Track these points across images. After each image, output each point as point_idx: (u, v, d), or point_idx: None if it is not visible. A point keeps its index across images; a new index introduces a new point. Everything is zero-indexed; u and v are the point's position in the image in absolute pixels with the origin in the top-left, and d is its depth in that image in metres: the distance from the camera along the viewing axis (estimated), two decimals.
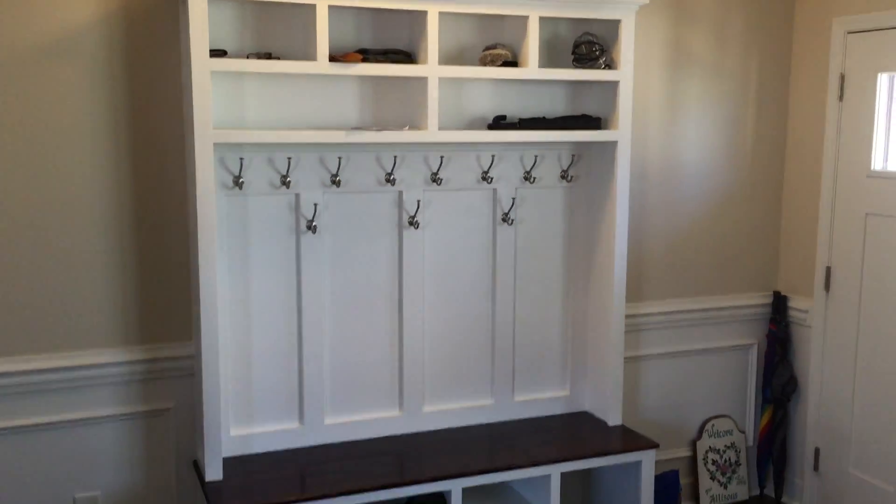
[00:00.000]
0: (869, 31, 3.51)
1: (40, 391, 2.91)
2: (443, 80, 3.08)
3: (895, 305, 3.48)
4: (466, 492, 3.11)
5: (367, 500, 2.91)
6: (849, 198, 3.65)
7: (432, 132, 3.04)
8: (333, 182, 3.12)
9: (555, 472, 3.18)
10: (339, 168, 3.11)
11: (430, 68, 3.00)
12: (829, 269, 3.76)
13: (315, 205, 3.11)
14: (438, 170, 3.26)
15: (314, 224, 3.11)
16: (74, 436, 2.98)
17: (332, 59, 2.89)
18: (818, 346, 3.83)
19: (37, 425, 2.92)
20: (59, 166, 2.86)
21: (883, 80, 3.49)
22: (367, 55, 2.98)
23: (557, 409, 3.62)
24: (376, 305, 3.29)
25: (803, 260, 3.90)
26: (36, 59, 2.78)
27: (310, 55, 2.88)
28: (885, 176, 3.50)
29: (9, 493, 2.92)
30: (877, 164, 3.53)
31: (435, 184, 3.27)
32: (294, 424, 3.22)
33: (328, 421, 3.26)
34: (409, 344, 3.34)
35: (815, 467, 3.89)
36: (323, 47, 2.84)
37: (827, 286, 3.78)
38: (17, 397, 2.89)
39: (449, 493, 3.04)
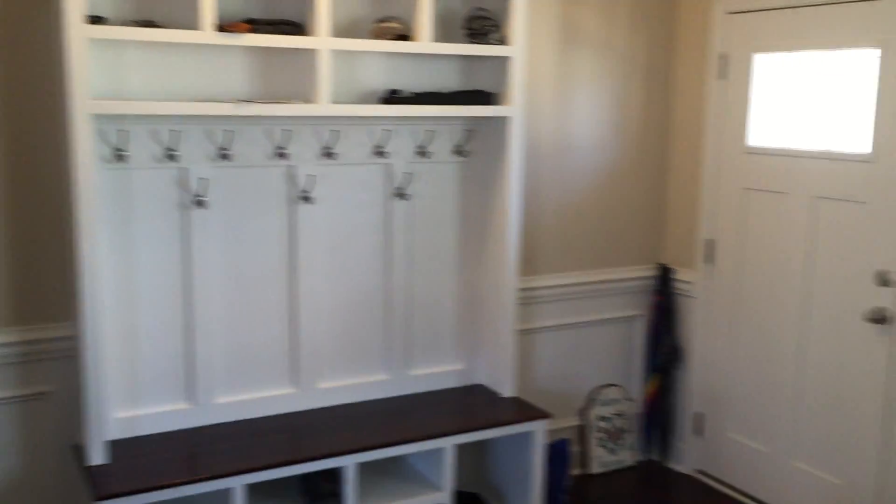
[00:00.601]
0: (746, 11, 3.65)
1: None
2: (334, 53, 3.03)
3: (771, 275, 3.66)
4: (361, 467, 3.12)
5: (260, 479, 2.88)
6: (728, 173, 3.81)
7: (324, 106, 2.99)
8: (222, 156, 3.03)
9: (448, 444, 3.21)
10: (227, 141, 3.03)
11: (321, 40, 2.95)
12: (710, 242, 3.93)
13: (203, 179, 3.02)
14: (331, 144, 3.22)
15: (203, 199, 3.02)
16: None
17: (220, 28, 2.80)
18: (701, 316, 4.00)
19: None
20: None
21: (758, 60, 3.64)
22: (255, 25, 2.90)
23: (452, 383, 3.66)
24: (270, 281, 3.24)
25: (687, 233, 4.05)
26: None
27: (195, 24, 2.78)
28: (760, 152, 3.67)
29: None
30: (753, 140, 3.69)
31: (328, 158, 3.23)
32: (184, 404, 3.14)
33: (220, 400, 3.19)
34: (304, 320, 3.31)
35: (698, 432, 4.07)
36: (208, 16, 2.75)
37: (709, 258, 3.94)
38: None
39: (344, 468, 3.03)
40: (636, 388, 4.23)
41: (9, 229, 2.84)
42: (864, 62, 3.25)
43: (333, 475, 3.08)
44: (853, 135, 3.30)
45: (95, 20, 2.67)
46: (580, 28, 3.78)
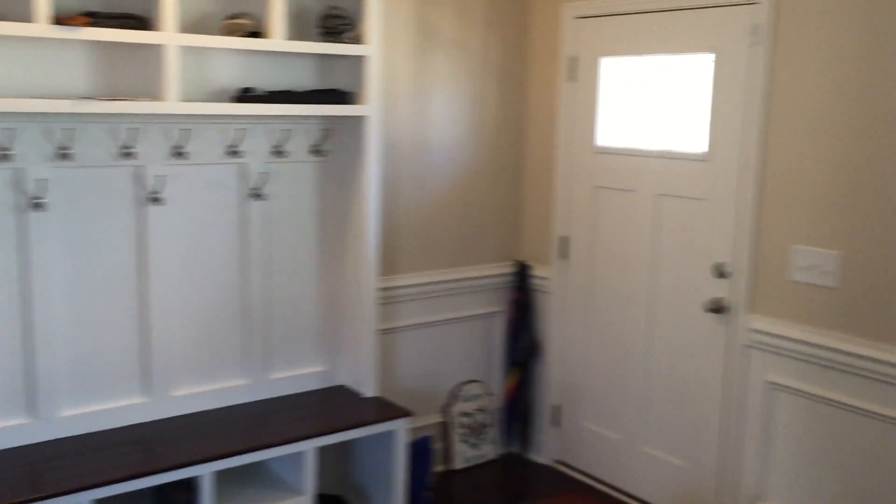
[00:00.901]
0: (593, 17, 3.80)
1: None
2: (183, 49, 2.93)
3: (620, 270, 3.82)
4: (220, 475, 3.03)
5: (109, 494, 2.75)
6: (579, 172, 3.95)
7: (172, 103, 2.89)
8: (62, 156, 2.88)
9: (309, 447, 3.18)
10: (67, 140, 2.87)
11: (168, 36, 2.85)
12: (564, 239, 4.06)
13: (41, 180, 2.85)
14: (182, 143, 3.12)
15: (41, 201, 2.86)
16: None
17: (57, 21, 2.65)
18: (556, 311, 4.13)
19: None
20: None
21: (606, 62, 3.79)
22: (96, 19, 2.77)
23: (313, 385, 3.62)
24: (118, 287, 3.10)
25: (543, 231, 4.17)
26: None
27: (30, 16, 2.62)
28: (608, 152, 3.83)
29: None
30: (601, 141, 3.85)
31: (179, 158, 3.13)
32: (24, 419, 2.96)
33: (65, 413, 3.03)
34: (156, 326, 3.19)
35: (556, 423, 4.20)
36: (43, 8, 2.60)
37: (563, 255, 4.08)
38: None
39: (200, 478, 2.94)
40: (497, 383, 4.32)
41: None
42: (700, 66, 3.44)
43: (189, 485, 2.98)
44: (692, 135, 3.50)
45: None
46: (436, 29, 3.82)
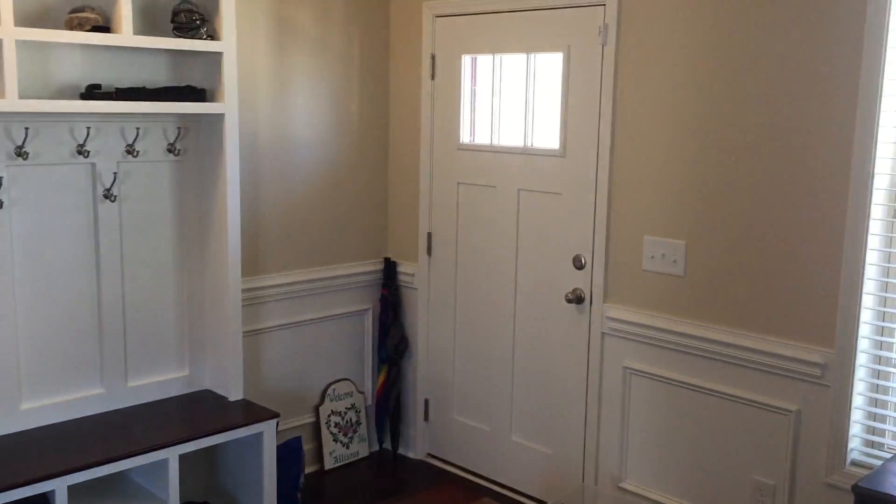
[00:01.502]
0: (453, 15, 3.86)
1: None
2: (21, 44, 2.78)
3: (484, 264, 3.90)
4: (75, 490, 2.91)
5: None
6: (443, 169, 4.00)
7: (11, 101, 2.74)
8: None
9: (172, 454, 3.08)
10: None
11: (5, 29, 2.70)
12: (430, 235, 4.10)
13: None
14: (24, 143, 2.96)
15: None
16: None
17: None
18: (424, 307, 4.17)
19: None
20: None
21: (466, 61, 3.86)
22: None
23: (176, 391, 3.52)
24: None
25: (409, 227, 4.20)
26: None
27: None
28: (470, 148, 3.89)
29: None
30: (464, 137, 3.91)
31: (21, 158, 2.97)
32: None
33: None
34: (1, 338, 3.01)
35: (426, 417, 4.25)
36: None
37: (429, 250, 4.12)
38: None
39: (53, 493, 2.80)
40: (368, 380, 4.32)
41: None
42: (553, 65, 3.55)
43: (43, 501, 2.84)
44: (548, 132, 3.61)
45: None
46: (296, 25, 3.78)
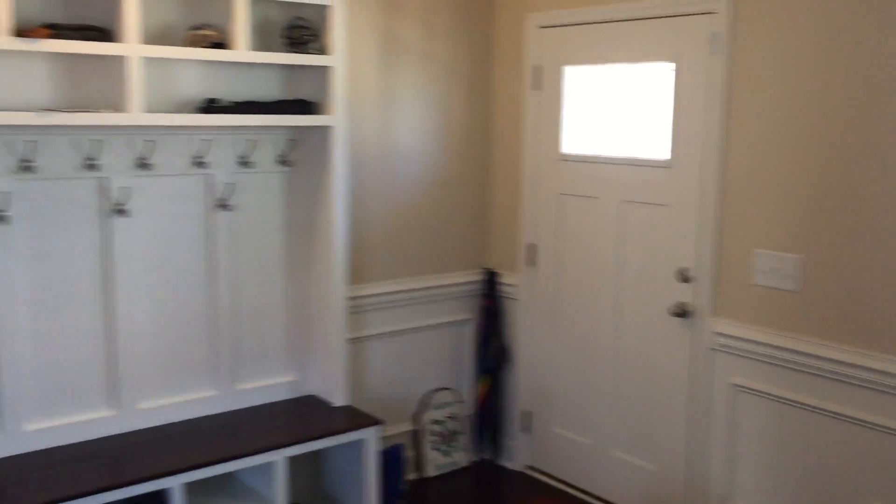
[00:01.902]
0: (556, 26, 3.85)
1: None
2: (146, 60, 2.93)
3: (586, 276, 3.86)
4: (190, 487, 3.02)
5: None
6: (545, 180, 3.99)
7: (136, 115, 2.89)
8: (25, 168, 2.87)
9: (280, 457, 3.17)
10: (30, 153, 2.86)
11: (131, 47, 2.85)
12: (532, 246, 4.09)
13: (4, 193, 2.84)
14: (147, 154, 3.11)
15: (4, 213, 2.84)
16: None
17: (17, 33, 2.64)
18: (524, 318, 4.16)
19: None
20: None
21: (569, 72, 3.84)
22: (58, 31, 2.76)
23: (283, 395, 3.62)
24: (83, 300, 3.08)
25: (510, 238, 4.21)
26: None
27: None
28: (572, 159, 3.87)
29: None
30: (566, 148, 3.89)
31: (143, 169, 3.12)
32: None
33: (30, 427, 3.01)
34: (123, 339, 3.17)
35: (526, 429, 4.23)
36: (4, 20, 2.59)
37: (530, 261, 4.11)
38: None
39: (170, 490, 2.92)
40: (468, 390, 4.34)
41: None
42: (661, 75, 3.50)
43: (159, 498, 2.96)
44: (654, 142, 3.55)
45: None
46: (401, 38, 3.85)
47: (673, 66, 3.43)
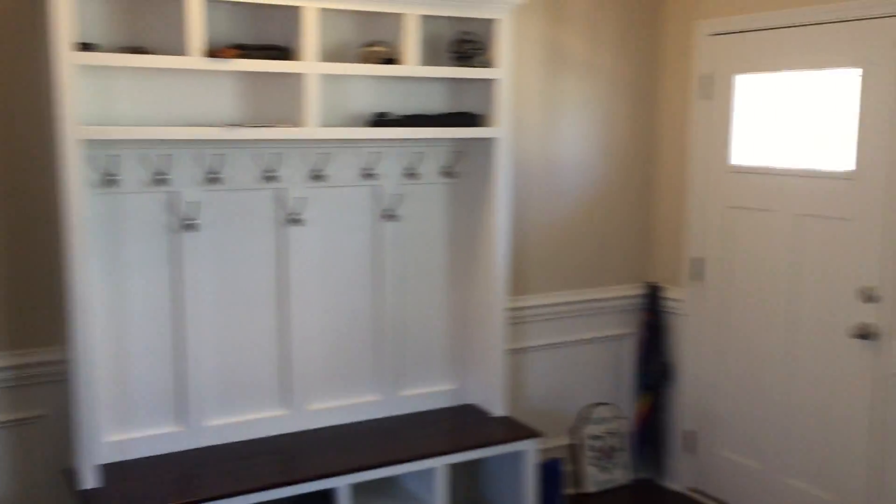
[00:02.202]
0: (727, 34, 3.71)
1: None
2: (322, 77, 3.07)
3: (758, 292, 3.69)
4: (354, 488, 3.12)
5: (251, 501, 2.87)
6: (713, 192, 3.85)
7: (312, 129, 3.03)
8: (212, 179, 3.07)
9: (440, 464, 3.22)
10: (217, 165, 3.06)
11: (309, 64, 2.99)
12: (698, 260, 3.96)
13: (193, 203, 3.05)
14: (320, 167, 3.25)
15: (193, 222, 3.05)
16: None
17: (208, 54, 2.84)
18: (690, 334, 4.02)
19: None
20: None
21: (739, 80, 3.69)
22: (244, 51, 2.94)
23: (443, 403, 3.67)
24: (260, 304, 3.26)
25: (674, 251, 4.09)
26: None
27: (184, 50, 2.82)
28: (743, 171, 3.71)
29: None
30: (736, 159, 3.74)
31: (317, 180, 3.26)
32: (175, 427, 3.14)
33: (211, 423, 3.20)
34: (295, 341, 3.32)
35: (690, 449, 4.08)
36: (196, 42, 2.79)
37: (696, 276, 3.97)
38: None
39: (336, 490, 3.03)
40: (628, 406, 4.24)
41: (2, 254, 2.86)
42: (844, 81, 3.30)
43: (325, 497, 3.08)
44: (835, 153, 3.35)
45: (86, 47, 2.71)
46: (565, 50, 3.84)
47: (860, 71, 3.22)
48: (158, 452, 3.10)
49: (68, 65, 2.61)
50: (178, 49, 2.86)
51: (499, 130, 3.40)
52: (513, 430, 3.46)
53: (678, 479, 4.14)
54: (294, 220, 3.24)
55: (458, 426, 3.52)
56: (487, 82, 3.39)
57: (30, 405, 2.96)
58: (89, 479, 2.81)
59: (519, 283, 3.81)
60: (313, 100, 3.01)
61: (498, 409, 3.57)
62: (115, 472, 2.93)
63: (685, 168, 3.97)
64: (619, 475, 4.17)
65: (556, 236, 3.95)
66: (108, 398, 3.00)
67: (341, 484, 3.02)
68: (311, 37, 2.97)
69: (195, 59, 2.80)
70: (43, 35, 2.76)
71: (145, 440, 3.08)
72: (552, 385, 4.04)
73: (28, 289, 2.92)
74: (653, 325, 4.14)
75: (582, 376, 4.12)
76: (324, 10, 3.03)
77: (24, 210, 2.89)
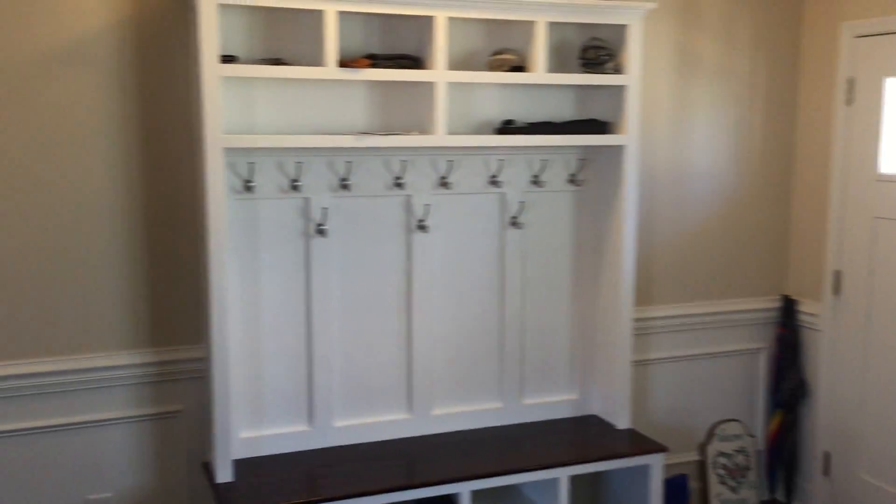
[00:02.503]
0: (876, 35, 3.51)
1: (53, 393, 2.95)
2: (451, 85, 3.10)
3: None
4: (476, 495, 3.12)
5: (376, 503, 2.93)
6: (857, 201, 3.65)
7: (440, 136, 3.06)
8: (342, 186, 3.14)
9: (563, 475, 3.18)
10: (347, 172, 3.14)
11: (438, 73, 3.03)
12: (838, 273, 3.76)
13: (324, 209, 3.13)
14: (447, 174, 3.28)
15: (323, 227, 3.14)
16: (87, 438, 3.02)
17: (342, 64, 2.92)
18: (828, 351, 3.82)
19: (50, 427, 2.96)
20: (71, 172, 2.90)
21: (890, 84, 3.48)
22: (375, 60, 3.01)
23: (566, 413, 3.63)
24: (386, 308, 3.31)
25: (812, 264, 3.90)
26: (50, 65, 2.83)
27: (319, 61, 2.91)
28: (892, 179, 3.50)
29: (22, 495, 2.96)
30: (884, 167, 3.53)
31: (443, 188, 3.29)
32: (304, 426, 3.24)
33: (338, 423, 3.28)
34: (419, 347, 3.36)
35: (826, 472, 3.88)
36: (331, 53, 2.87)
37: (836, 290, 3.77)
38: (30, 399, 2.93)
39: (458, 495, 3.05)
40: (758, 423, 4.08)
41: (147, 256, 3.03)
42: None
43: (447, 501, 3.10)
44: None
45: (228, 59, 2.84)
46: (698, 54, 3.73)
47: None
48: (288, 450, 3.20)
49: (214, 76, 2.74)
50: (312, 60, 2.96)
51: (627, 138, 3.33)
52: (638, 443, 3.39)
53: (811, 501, 3.93)
54: (420, 227, 3.28)
55: (581, 437, 3.47)
56: (616, 89, 3.33)
57: (170, 400, 3.12)
58: (224, 473, 2.93)
59: (644, 292, 3.73)
60: (441, 108, 3.04)
61: (622, 421, 3.50)
62: (247, 467, 3.05)
63: (826, 176, 3.78)
64: (749, 495, 4.00)
65: (684, 245, 3.84)
66: (243, 396, 3.13)
67: (463, 490, 3.04)
68: (440, 46, 3.01)
69: (330, 70, 2.88)
70: (190, 50, 2.91)
71: (276, 438, 3.19)
72: (678, 399, 3.92)
73: (172, 289, 3.08)
74: (787, 340, 3.95)
75: (710, 391, 3.98)
76: (453, 19, 3.06)
77: (170, 215, 3.04)
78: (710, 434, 3.97)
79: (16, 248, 2.87)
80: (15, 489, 2.95)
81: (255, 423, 3.17)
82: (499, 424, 3.52)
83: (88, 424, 3.01)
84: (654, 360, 3.84)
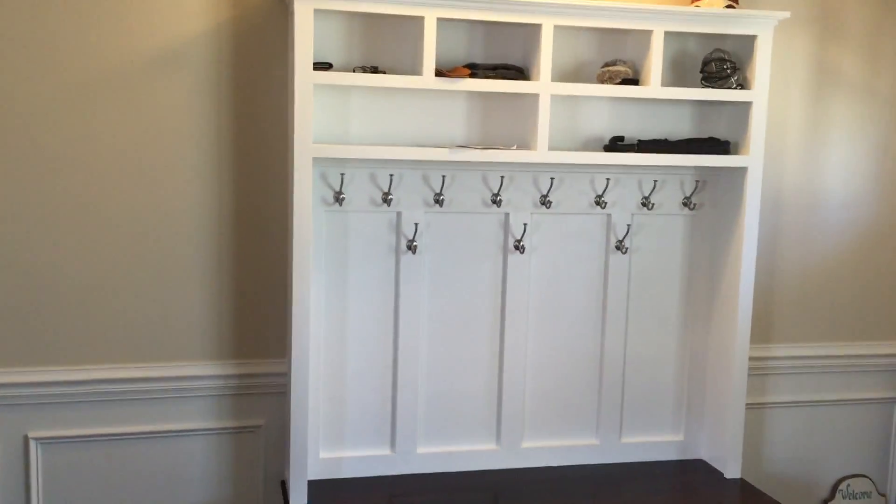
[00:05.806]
0: None
1: (137, 400, 2.94)
2: (555, 98, 2.90)
3: None
4: None
5: None
6: None
7: (542, 152, 2.87)
8: (436, 201, 3.00)
9: None
10: (442, 187, 2.99)
11: (541, 85, 2.84)
12: None
13: (416, 224, 3.00)
14: (548, 192, 3.09)
15: (415, 244, 3.00)
16: (166, 447, 2.99)
17: (439, 73, 2.78)
18: None
19: (131, 434, 2.95)
20: (162, 180, 2.87)
21: None
22: (475, 70, 2.85)
23: (669, 455, 3.35)
24: (476, 332, 3.14)
25: None
26: (145, 70, 2.82)
27: (416, 69, 2.78)
28: None
29: (100, 501, 2.95)
30: None
31: (544, 206, 3.10)
32: (385, 451, 3.10)
33: (421, 450, 3.13)
34: (510, 374, 3.17)
35: None
36: (429, 61, 2.73)
37: None
38: (118, 404, 2.92)
39: None
40: (891, 481, 3.67)
41: (234, 267, 2.97)
42: None
43: None
44: None
45: (323, 66, 2.75)
46: (835, 69, 3.38)
47: None
48: (367, 474, 3.07)
49: (306, 83, 2.65)
50: (410, 68, 2.83)
51: (750, 159, 3.04)
52: (749, 495, 3.07)
53: None
54: (517, 247, 3.09)
55: (685, 484, 3.19)
56: (740, 105, 3.05)
57: (252, 414, 3.05)
58: (299, 494, 2.83)
59: (764, 329, 3.41)
60: (544, 122, 2.85)
61: (731, 469, 3.19)
62: (324, 488, 2.94)
63: None
64: None
65: (811, 280, 3.48)
66: (324, 415, 3.02)
67: None
68: (545, 55, 2.82)
69: (427, 79, 2.75)
70: (288, 57, 2.84)
71: (356, 460, 3.06)
72: (797, 449, 3.56)
73: (260, 301, 3.01)
74: None
75: (835, 442, 3.60)
76: (561, 27, 2.87)
77: (261, 225, 2.98)
78: (834, 490, 3.59)
79: (110, 257, 2.86)
80: (93, 494, 2.94)
81: (336, 443, 3.06)
82: (594, 463, 3.28)
83: (169, 434, 2.98)
84: (772, 403, 3.50)
